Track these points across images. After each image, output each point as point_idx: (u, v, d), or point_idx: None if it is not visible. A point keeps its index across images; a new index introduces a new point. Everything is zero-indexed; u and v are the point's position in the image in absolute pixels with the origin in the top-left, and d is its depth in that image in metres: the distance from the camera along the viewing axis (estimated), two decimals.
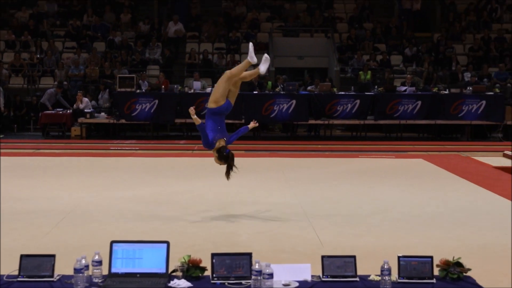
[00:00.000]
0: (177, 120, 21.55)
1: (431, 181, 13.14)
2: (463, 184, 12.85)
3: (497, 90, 22.04)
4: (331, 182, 12.89)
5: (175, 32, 26.57)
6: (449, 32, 27.67)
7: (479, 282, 5.46)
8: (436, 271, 5.29)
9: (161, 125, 22.43)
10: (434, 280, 5.17)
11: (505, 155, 16.12)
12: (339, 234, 8.76)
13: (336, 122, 21.78)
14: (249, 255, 5.20)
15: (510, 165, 14.53)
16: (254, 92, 21.67)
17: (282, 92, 21.33)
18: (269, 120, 21.50)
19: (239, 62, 25.99)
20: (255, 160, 16.30)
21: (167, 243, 5.23)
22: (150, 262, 5.16)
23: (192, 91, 21.56)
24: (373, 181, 13.05)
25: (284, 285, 4.97)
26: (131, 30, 27.54)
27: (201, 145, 9.27)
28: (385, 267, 5.02)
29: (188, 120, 21.32)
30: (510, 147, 17.65)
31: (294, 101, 21.09)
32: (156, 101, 21.08)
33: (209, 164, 15.22)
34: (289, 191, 11.89)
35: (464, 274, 5.29)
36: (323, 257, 5.27)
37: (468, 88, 21.78)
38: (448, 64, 25.40)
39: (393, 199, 11.22)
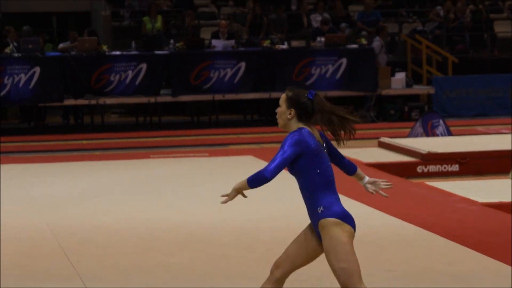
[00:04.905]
0: None
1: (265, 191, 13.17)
2: None
3: (363, 41, 18.67)
4: (107, 197, 11.62)
5: None
6: None
7: None
8: None
9: None
10: None
11: (381, 144, 14.75)
12: None
13: (110, 101, 18.79)
14: None
15: (389, 160, 13.58)
16: None
17: (16, 55, 17.70)
18: None
19: None
20: None
21: None
22: None
23: None
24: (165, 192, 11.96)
25: None
26: None
27: None
28: None
29: None
30: (388, 130, 16.87)
31: (37, 69, 17.80)
32: None
33: None
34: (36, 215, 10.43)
35: None
36: None
37: (318, 39, 18.93)
38: (286, 2, 21.97)
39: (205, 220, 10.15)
